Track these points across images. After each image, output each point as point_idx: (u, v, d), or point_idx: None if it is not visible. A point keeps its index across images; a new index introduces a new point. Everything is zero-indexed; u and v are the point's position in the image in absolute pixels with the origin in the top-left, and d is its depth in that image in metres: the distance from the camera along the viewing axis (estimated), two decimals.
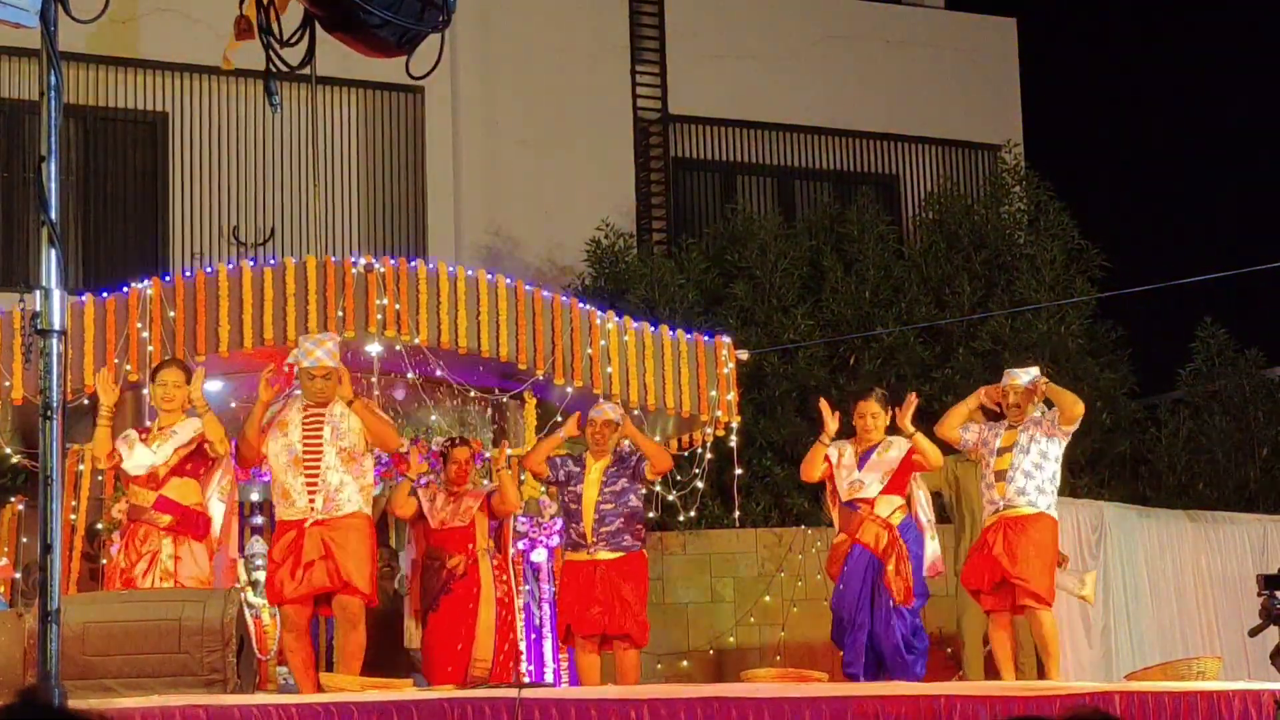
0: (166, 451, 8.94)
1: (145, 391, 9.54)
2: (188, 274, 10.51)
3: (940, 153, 17.62)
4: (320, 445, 8.68)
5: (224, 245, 14.82)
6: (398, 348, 10.43)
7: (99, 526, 10.18)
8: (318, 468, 8.63)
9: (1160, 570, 12.08)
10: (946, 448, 10.01)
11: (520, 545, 11.03)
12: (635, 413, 11.24)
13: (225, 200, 15.02)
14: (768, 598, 13.00)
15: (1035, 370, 9.74)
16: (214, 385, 10.49)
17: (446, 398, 11.23)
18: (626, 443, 10.00)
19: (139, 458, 8.94)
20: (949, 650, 12.79)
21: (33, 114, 13.82)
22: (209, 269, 10.47)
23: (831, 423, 9.75)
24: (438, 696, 7.65)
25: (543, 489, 10.91)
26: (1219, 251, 16.02)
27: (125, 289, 10.33)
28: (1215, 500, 14.06)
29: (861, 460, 9.78)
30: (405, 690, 8.09)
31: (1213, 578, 12.22)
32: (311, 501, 8.60)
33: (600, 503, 9.74)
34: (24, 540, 10.73)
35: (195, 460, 8.99)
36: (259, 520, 11.09)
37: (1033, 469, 9.38)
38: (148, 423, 9.35)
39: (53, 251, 4.74)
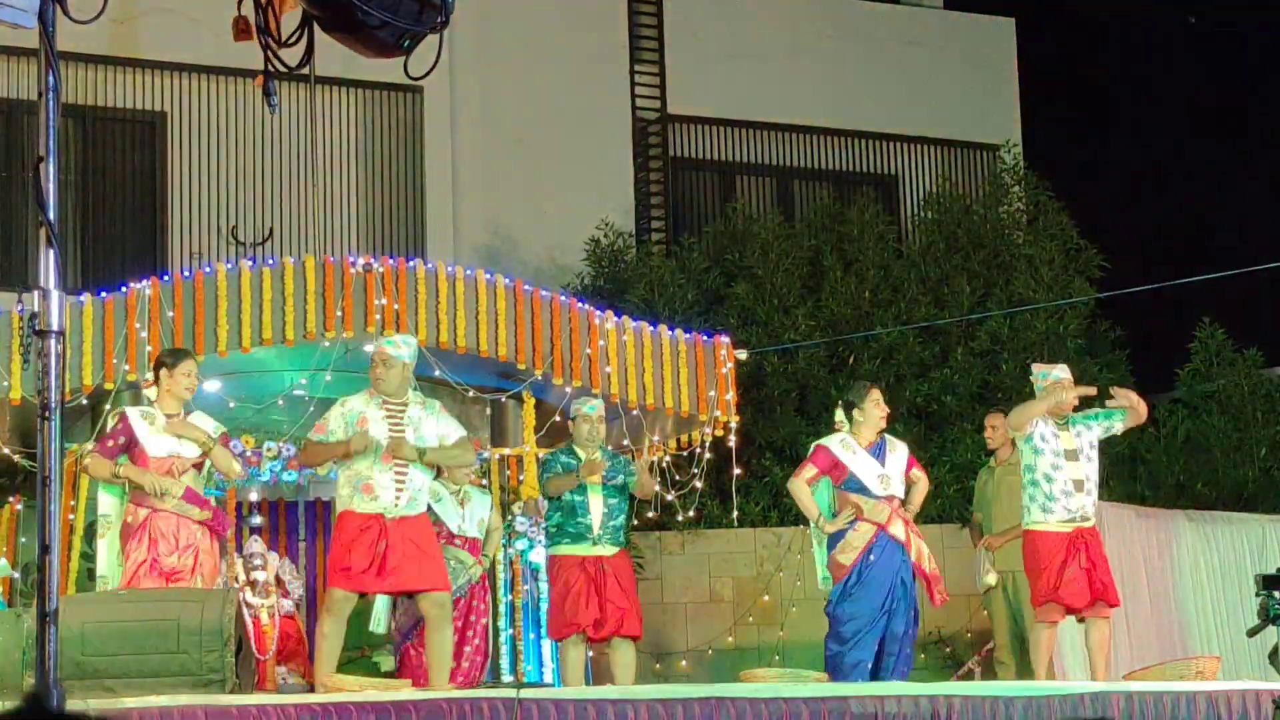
0: (195, 451, 8.95)
1: (144, 388, 9.49)
2: (186, 274, 10.50)
3: (939, 153, 17.62)
4: None
5: (223, 245, 14.81)
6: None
7: (97, 527, 10.18)
8: (405, 465, 8.66)
9: (1158, 570, 12.08)
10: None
11: (519, 545, 11.04)
12: (634, 413, 11.25)
13: (224, 200, 15.01)
14: (766, 597, 13.00)
15: (1065, 367, 9.93)
16: (212, 385, 10.49)
17: (445, 398, 11.22)
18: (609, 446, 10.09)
19: (166, 440, 8.87)
20: (949, 650, 12.80)
21: (31, 114, 13.81)
22: (208, 269, 10.46)
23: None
24: (436, 696, 7.64)
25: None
26: (1217, 251, 16.02)
27: (124, 289, 10.31)
28: (1213, 500, 14.05)
29: (876, 455, 9.79)
30: (404, 690, 8.09)
31: (1211, 578, 12.22)
32: (398, 498, 8.62)
33: (606, 496, 9.79)
34: (23, 540, 10.73)
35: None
36: (257, 520, 11.09)
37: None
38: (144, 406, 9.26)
39: (51, 252, 4.73)
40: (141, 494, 8.83)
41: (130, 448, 8.92)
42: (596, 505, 9.76)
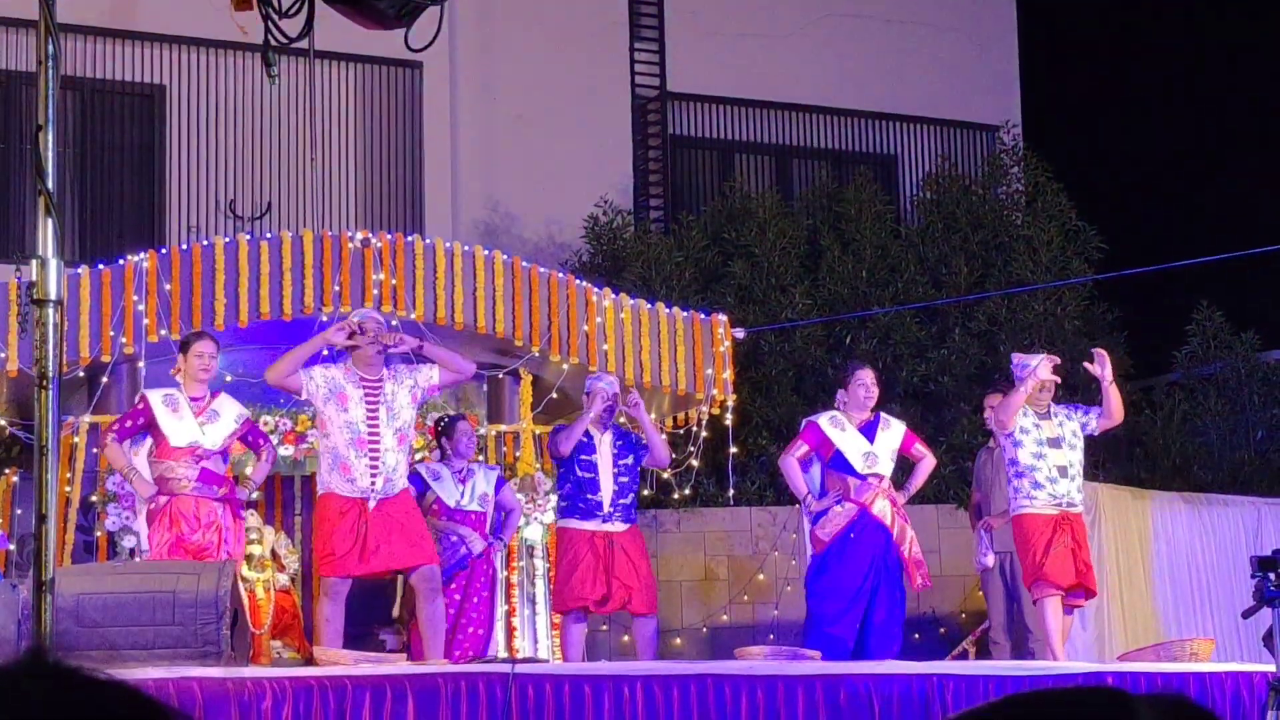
0: (218, 438, 9.13)
1: (172, 373, 9.54)
2: (184, 247, 10.49)
3: (938, 133, 17.60)
4: (379, 428, 8.84)
5: (220, 219, 14.79)
6: (394, 323, 10.41)
7: (93, 499, 10.19)
8: (379, 450, 8.81)
9: (1154, 552, 12.10)
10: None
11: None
12: (631, 391, 11.23)
13: (222, 173, 14.98)
14: (761, 575, 13.01)
15: (1043, 356, 9.93)
16: None
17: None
18: (623, 419, 10.06)
19: (189, 429, 9.04)
20: (943, 630, 12.82)
21: (29, 85, 13.78)
22: (205, 242, 10.45)
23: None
24: (431, 671, 7.65)
25: (538, 465, 10.91)
26: (1216, 234, 16.01)
27: (121, 261, 10.31)
28: (1210, 483, 14.07)
29: (866, 433, 9.82)
30: (399, 664, 8.10)
31: (1206, 560, 12.24)
32: (373, 483, 8.78)
33: (617, 475, 9.81)
34: (18, 512, 10.73)
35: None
36: (254, 495, 11.10)
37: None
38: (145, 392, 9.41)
39: (50, 221, 4.72)
40: (163, 480, 8.99)
41: (151, 430, 9.10)
42: (607, 483, 9.78)
